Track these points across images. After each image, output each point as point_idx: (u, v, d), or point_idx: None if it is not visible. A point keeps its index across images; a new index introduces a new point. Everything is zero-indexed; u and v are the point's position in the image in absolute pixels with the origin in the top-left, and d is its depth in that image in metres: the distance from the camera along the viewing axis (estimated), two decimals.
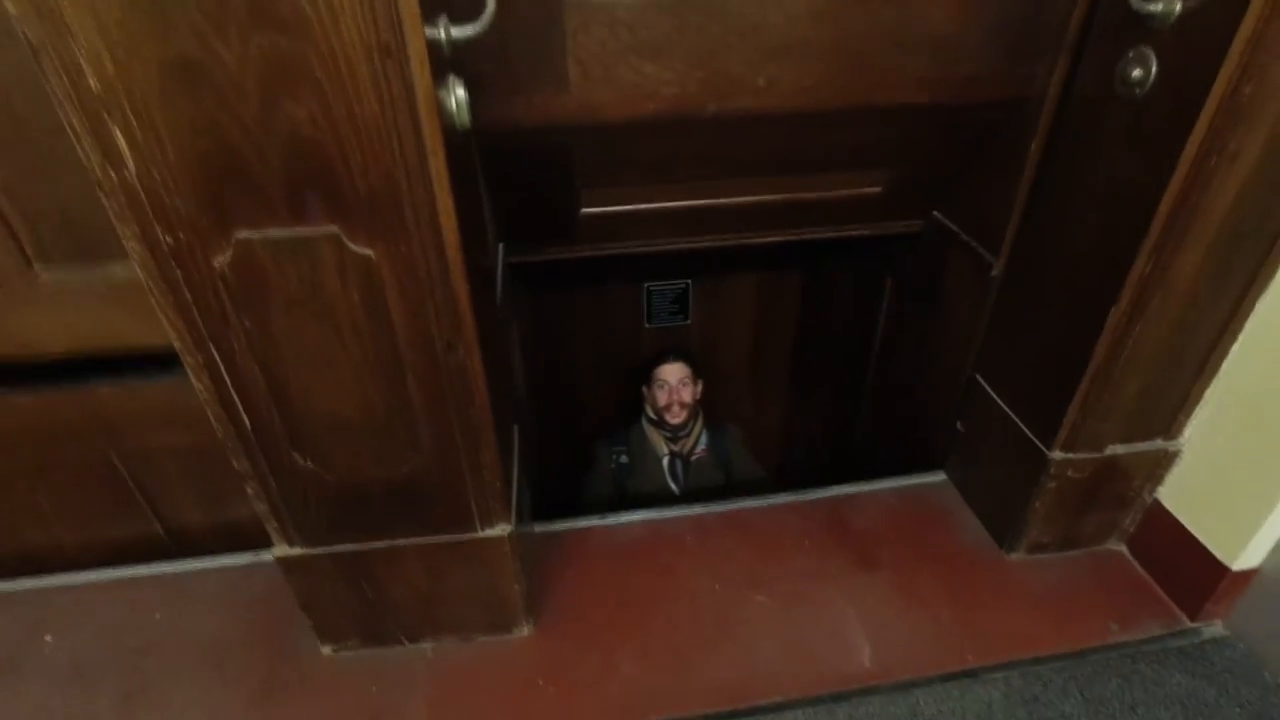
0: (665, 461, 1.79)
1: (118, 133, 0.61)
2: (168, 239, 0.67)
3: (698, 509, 1.32)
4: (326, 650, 1.07)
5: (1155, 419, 1.11)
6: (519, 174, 1.13)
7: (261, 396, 0.79)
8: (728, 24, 0.95)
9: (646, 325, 2.24)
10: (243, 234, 0.68)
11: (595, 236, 1.35)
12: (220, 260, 0.69)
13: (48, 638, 1.09)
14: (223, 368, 0.77)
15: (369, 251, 0.71)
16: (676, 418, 1.76)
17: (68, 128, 0.61)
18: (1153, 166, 0.87)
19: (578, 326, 2.19)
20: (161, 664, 1.07)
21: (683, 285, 2.18)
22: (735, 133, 1.10)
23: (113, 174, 0.64)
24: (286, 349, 0.76)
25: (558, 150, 1.09)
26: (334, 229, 0.69)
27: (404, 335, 0.77)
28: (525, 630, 1.11)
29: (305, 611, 1.02)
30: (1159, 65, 0.85)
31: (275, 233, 0.69)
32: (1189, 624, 1.13)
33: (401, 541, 0.96)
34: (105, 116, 0.61)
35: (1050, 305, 1.08)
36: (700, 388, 1.84)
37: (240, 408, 0.80)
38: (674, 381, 1.78)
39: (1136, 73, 0.87)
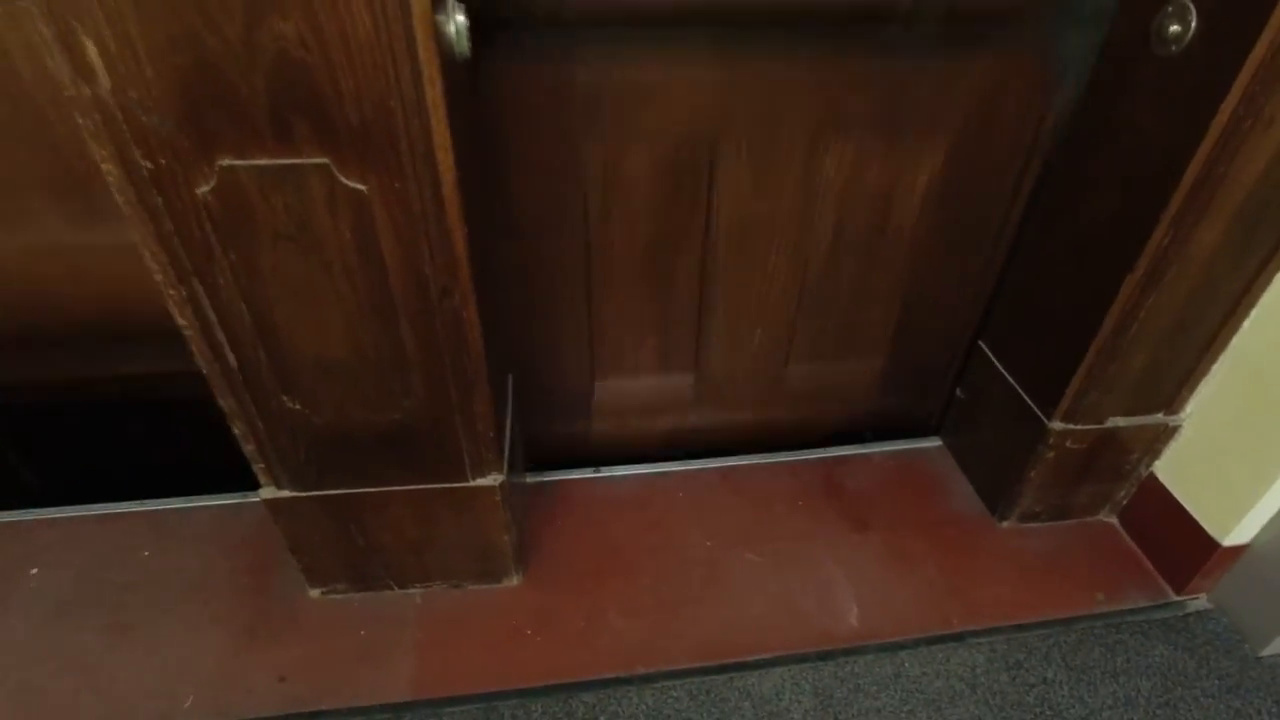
0: None
1: (89, 44, 0.57)
2: (146, 163, 0.63)
3: (692, 465, 1.31)
4: (314, 593, 1.07)
5: (1158, 392, 1.09)
6: None
7: (248, 334, 0.76)
8: None
9: None
10: (226, 161, 0.64)
11: None
12: (203, 189, 0.66)
13: (33, 571, 1.09)
14: (207, 303, 0.73)
15: (361, 186, 0.67)
16: None
17: (37, 38, 0.57)
18: (1182, 130, 0.83)
19: None
20: (147, 600, 1.06)
21: None
22: None
23: (85, 89, 0.60)
24: (274, 286, 0.73)
25: None
26: (324, 160, 0.65)
27: (397, 277, 0.74)
28: (515, 580, 1.10)
29: (293, 554, 1.01)
30: (1198, 21, 0.81)
31: (261, 161, 0.65)
32: (1174, 597, 1.13)
33: (391, 488, 0.94)
34: (76, 25, 0.56)
35: (1062, 272, 1.06)
36: None
37: (226, 345, 0.77)
38: None
39: (1174, 28, 0.82)
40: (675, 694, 0.99)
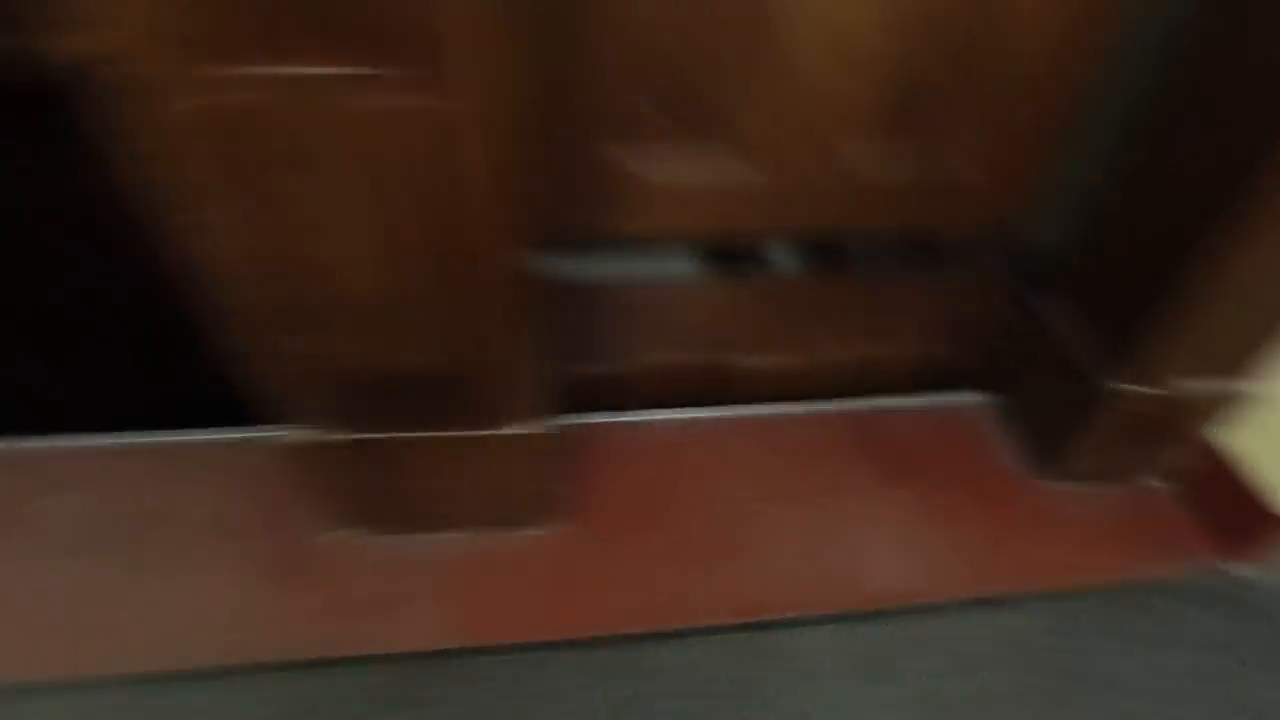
0: None
1: None
2: (147, 67, 0.54)
3: (730, 411, 1.25)
4: (336, 534, 1.03)
5: (1233, 357, 1.03)
6: None
7: (270, 269, 0.69)
8: None
9: None
10: (260, 69, 0.55)
11: None
12: (184, 104, 0.56)
13: (41, 502, 1.04)
14: (228, 237, 0.65)
15: (417, 102, 0.58)
16: None
17: None
18: None
19: None
20: (168, 535, 1.02)
21: None
22: None
23: None
24: (291, 217, 0.65)
25: None
26: (372, 71, 0.56)
27: (443, 208, 0.65)
28: (543, 528, 1.07)
29: (317, 496, 0.96)
30: None
31: (302, 70, 0.55)
32: (1222, 565, 1.10)
33: (423, 433, 0.89)
34: None
35: (1145, 218, 0.97)
36: None
37: (248, 284, 0.69)
38: None
39: None
40: (711, 649, 0.96)
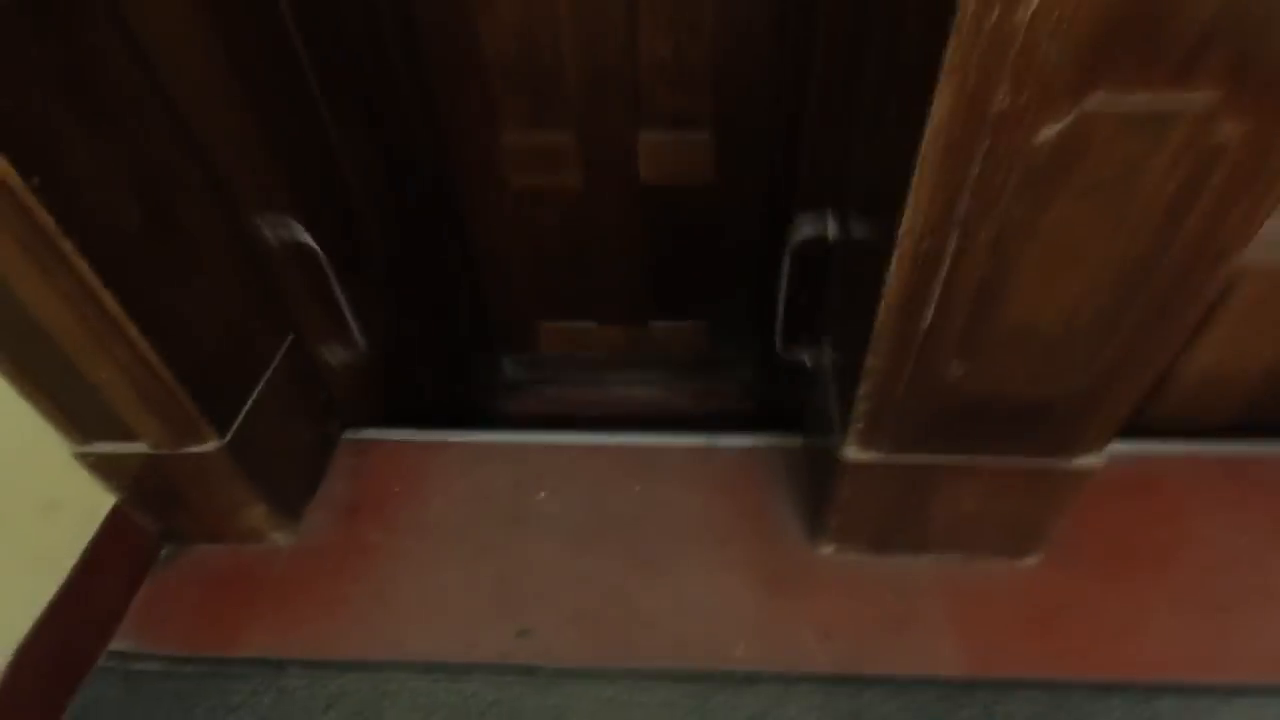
0: None
1: None
2: (1004, 99, 0.55)
3: (1187, 446, 1.16)
4: (827, 549, 1.04)
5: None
6: None
7: (965, 297, 0.69)
8: None
9: None
10: (1098, 98, 0.54)
11: None
12: (1047, 132, 0.56)
13: (541, 494, 1.13)
14: (948, 259, 0.66)
15: (1231, 134, 0.55)
16: None
17: None
18: None
19: None
20: (658, 534, 1.08)
21: None
22: None
23: (995, 13, 0.51)
24: (1038, 246, 0.64)
25: None
26: (1213, 99, 0.54)
27: (1184, 240, 0.63)
28: (1034, 559, 1.03)
29: (838, 512, 0.97)
30: None
31: (1138, 99, 0.54)
32: None
33: (986, 460, 0.87)
34: None
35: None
36: None
37: (930, 308, 0.70)
38: None
39: None
40: (1234, 709, 0.89)
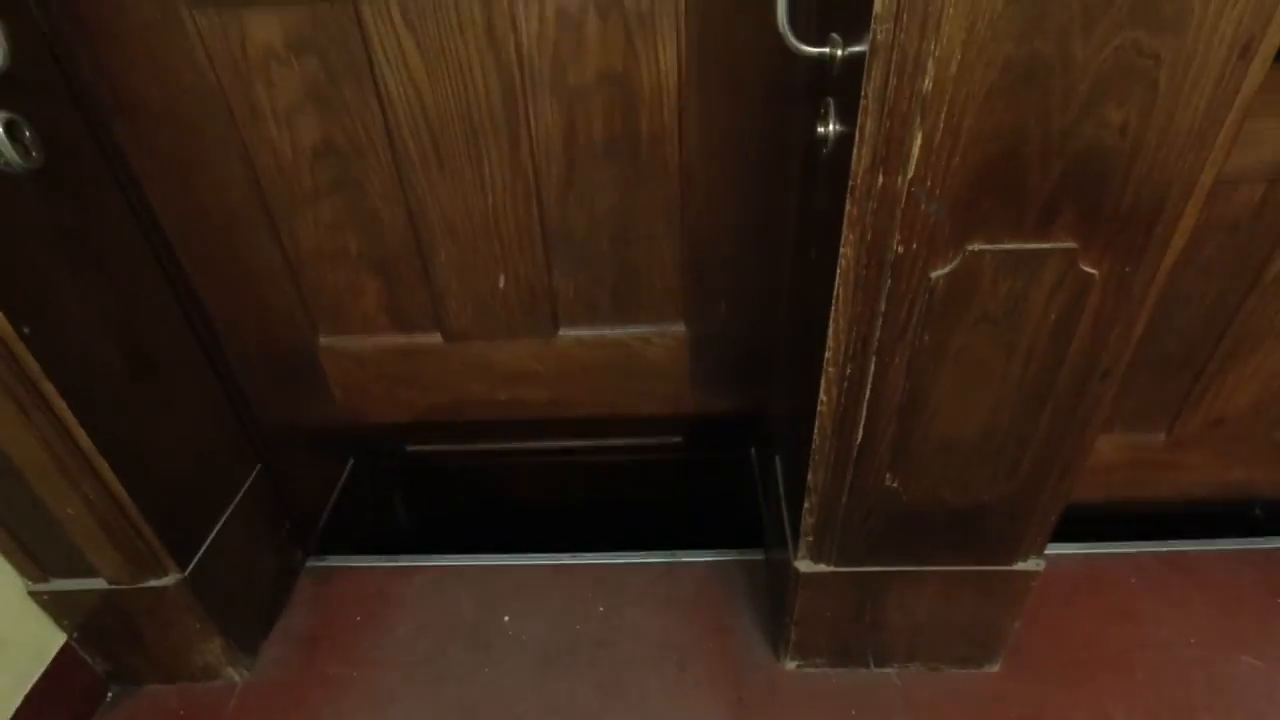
0: None
1: (918, 137, 0.58)
2: (899, 247, 0.64)
3: (1131, 547, 1.21)
4: (790, 665, 1.04)
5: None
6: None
7: (889, 415, 0.75)
8: (460, 361, 1.15)
9: None
10: (976, 246, 0.64)
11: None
12: (938, 272, 0.65)
13: (505, 618, 1.12)
14: (869, 383, 0.73)
15: (1093, 270, 0.64)
16: None
17: (856, 135, 0.58)
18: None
19: None
20: (624, 657, 1.07)
21: None
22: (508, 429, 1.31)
23: (880, 179, 0.60)
24: (945, 368, 0.71)
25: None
26: (1072, 245, 0.63)
27: (1073, 361, 0.70)
28: (995, 666, 1.04)
29: (794, 626, 0.99)
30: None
31: (1010, 245, 0.63)
32: None
33: (931, 567, 0.91)
34: (916, 120, 0.57)
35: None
36: None
37: (860, 425, 0.76)
38: None
39: None
40: None
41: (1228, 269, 0.95)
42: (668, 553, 1.21)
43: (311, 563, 1.21)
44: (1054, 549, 1.17)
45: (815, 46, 0.65)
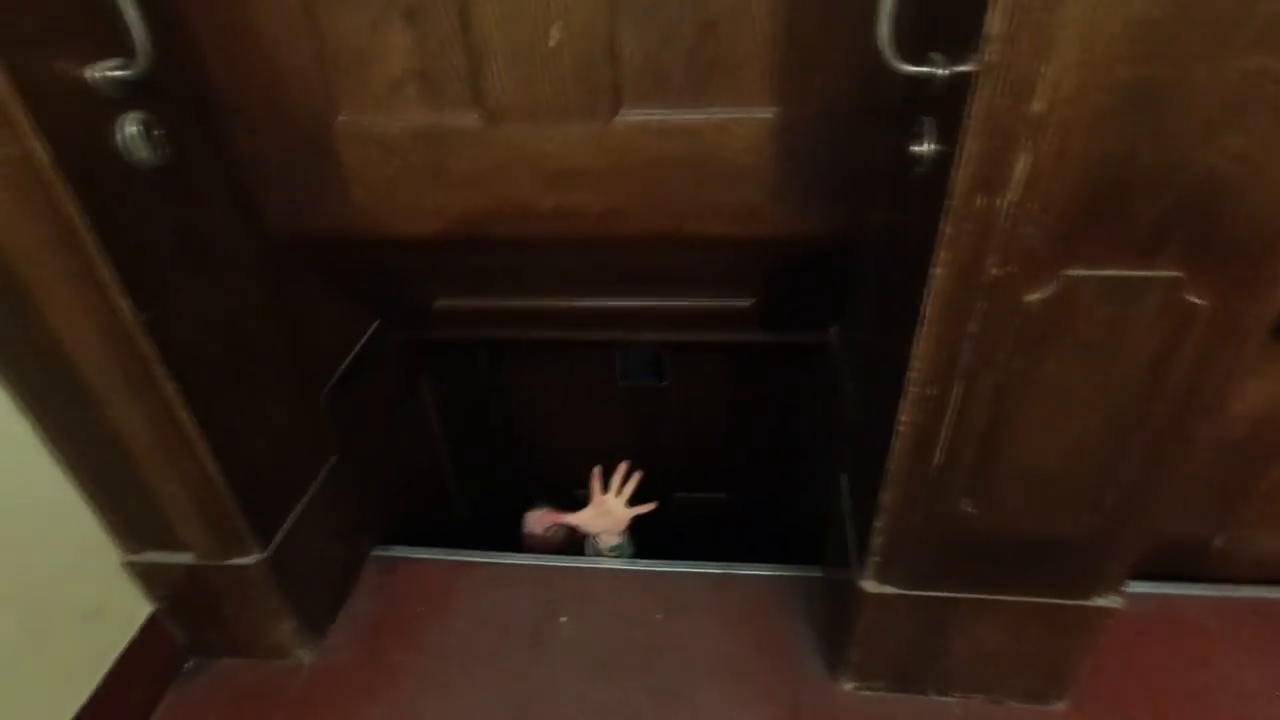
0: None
1: (1022, 159, 0.57)
2: (994, 270, 0.63)
3: (1214, 590, 1.15)
4: (847, 686, 1.03)
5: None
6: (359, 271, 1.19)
7: (971, 439, 0.74)
8: (500, 151, 0.91)
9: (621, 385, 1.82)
10: (1075, 271, 0.62)
11: (464, 325, 1.37)
12: (1034, 296, 0.64)
13: (563, 619, 1.14)
14: (952, 406, 0.72)
15: (1199, 302, 0.62)
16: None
17: (957, 155, 0.58)
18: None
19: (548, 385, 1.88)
20: (678, 666, 1.07)
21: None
22: (553, 253, 1.09)
23: (980, 200, 0.60)
24: (1035, 394, 0.70)
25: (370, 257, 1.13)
26: (1178, 274, 0.61)
27: (1170, 394, 0.68)
28: (1062, 704, 1.00)
29: (854, 647, 0.97)
30: None
31: (1112, 272, 0.62)
32: None
33: (1002, 597, 0.89)
34: (1021, 141, 0.56)
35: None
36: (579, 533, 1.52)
37: (940, 447, 0.75)
38: (539, 530, 1.50)
39: None
40: None
41: None
42: (724, 564, 1.20)
43: (376, 552, 1.24)
44: (1132, 587, 1.14)
45: (914, 65, 0.65)
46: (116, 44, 0.68)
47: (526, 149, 0.91)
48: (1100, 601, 0.88)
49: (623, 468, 1.37)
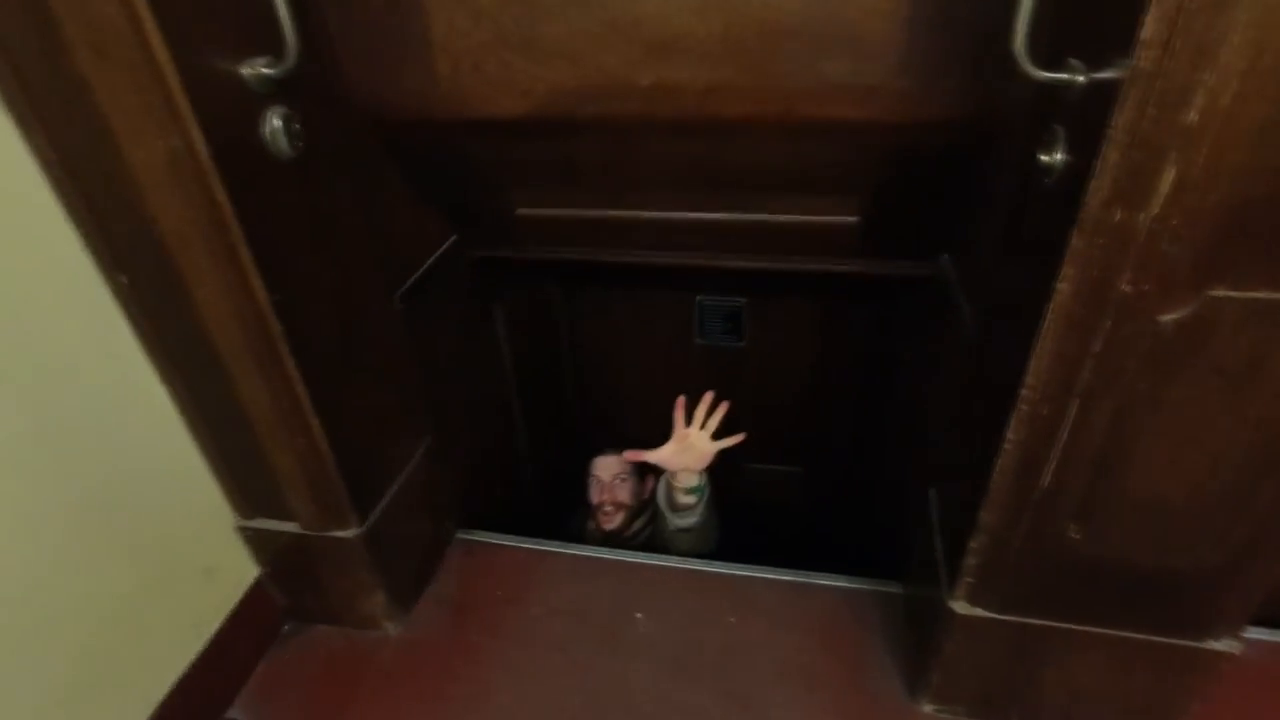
0: None
1: (1171, 172, 0.54)
2: (1127, 287, 0.60)
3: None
4: (927, 708, 1.00)
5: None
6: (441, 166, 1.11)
7: (1084, 462, 0.71)
8: (597, 14, 0.82)
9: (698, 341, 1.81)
10: (1219, 292, 0.59)
11: (544, 239, 1.29)
12: (1169, 317, 0.61)
13: (638, 615, 1.15)
14: (1066, 427, 0.69)
15: None
16: (610, 521, 1.48)
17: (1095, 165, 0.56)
18: None
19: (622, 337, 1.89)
20: (750, 670, 1.07)
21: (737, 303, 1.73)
22: (646, 141, 1.00)
23: (1117, 214, 0.57)
24: (1158, 419, 0.66)
25: (453, 145, 1.06)
26: None
27: None
28: None
29: (941, 668, 0.95)
30: None
31: (1261, 294, 0.58)
32: None
33: (1105, 630, 0.84)
34: (1172, 154, 0.54)
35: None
36: (649, 486, 1.51)
37: (1048, 470, 0.72)
38: (606, 478, 1.48)
39: None
40: None
41: None
42: (801, 572, 1.19)
43: (460, 535, 1.29)
44: (1251, 633, 1.07)
45: (1049, 71, 0.63)
46: (267, 42, 0.73)
47: (625, 13, 0.82)
48: (1215, 645, 0.82)
49: (708, 398, 1.27)
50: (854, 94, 0.83)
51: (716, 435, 1.26)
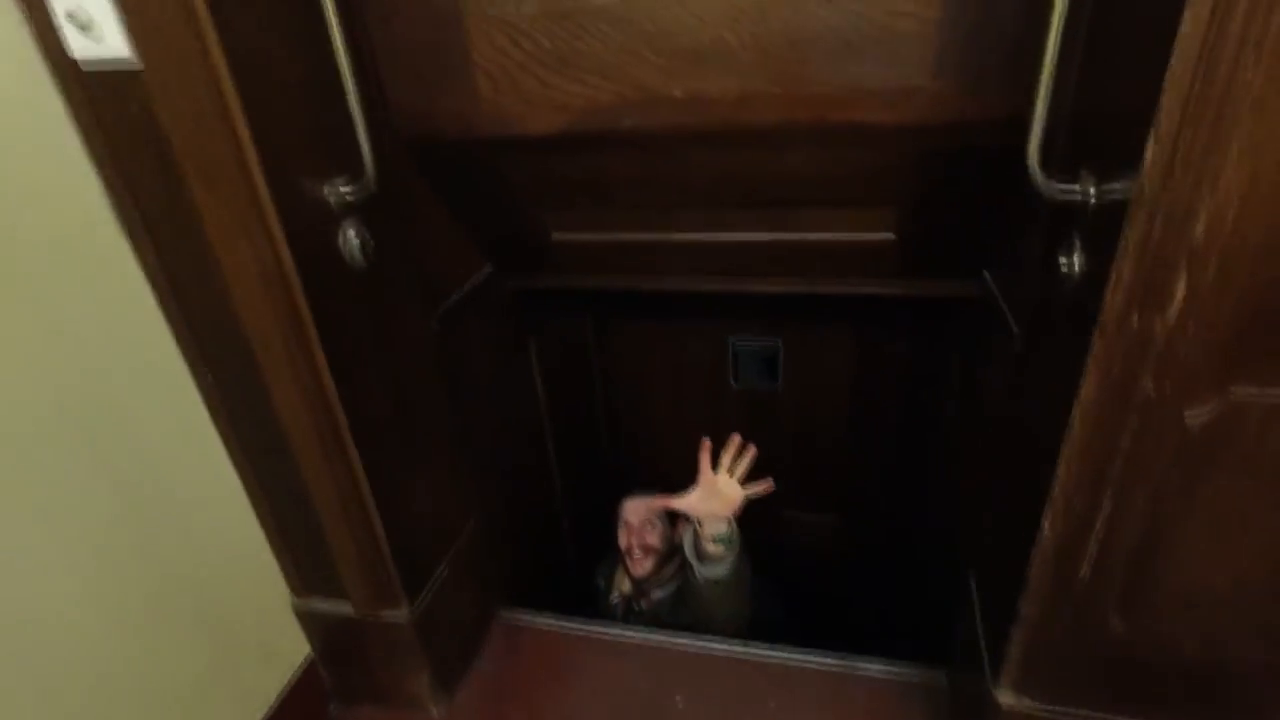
0: (615, 601, 1.51)
1: (1183, 283, 0.58)
2: (1148, 386, 0.63)
3: None
4: None
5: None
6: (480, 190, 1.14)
7: (1122, 553, 0.72)
8: (630, 29, 0.85)
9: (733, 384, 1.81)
10: (1242, 390, 0.62)
11: (578, 267, 1.32)
12: (1194, 414, 0.63)
13: (678, 699, 1.15)
14: (1102, 518, 0.71)
15: None
16: (639, 567, 1.44)
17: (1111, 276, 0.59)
18: None
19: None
20: None
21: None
22: (679, 154, 1.02)
23: (1134, 320, 0.61)
24: (1194, 513, 0.68)
25: (492, 166, 1.10)
26: None
27: None
28: None
29: None
30: None
31: None
32: None
33: None
34: (1182, 267, 0.57)
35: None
36: (680, 529, 1.45)
37: (1087, 560, 0.73)
38: (636, 522, 1.44)
39: None
40: None
41: None
42: (844, 656, 1.18)
43: (502, 616, 1.30)
44: None
45: (1065, 183, 0.67)
46: (347, 164, 0.82)
47: (660, 25, 0.83)
48: None
49: (735, 441, 1.21)
50: (886, 97, 0.83)
51: (744, 480, 1.23)
